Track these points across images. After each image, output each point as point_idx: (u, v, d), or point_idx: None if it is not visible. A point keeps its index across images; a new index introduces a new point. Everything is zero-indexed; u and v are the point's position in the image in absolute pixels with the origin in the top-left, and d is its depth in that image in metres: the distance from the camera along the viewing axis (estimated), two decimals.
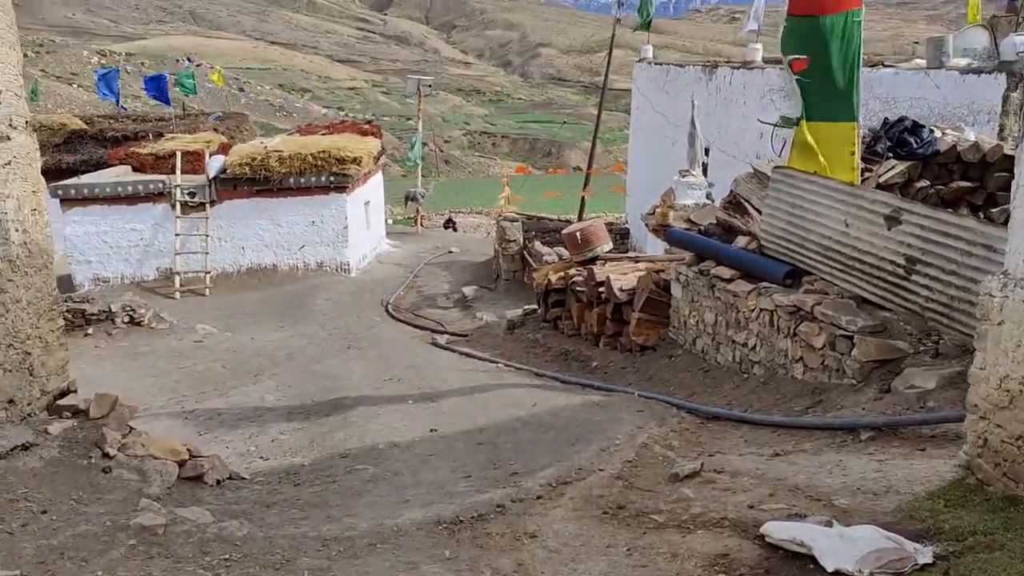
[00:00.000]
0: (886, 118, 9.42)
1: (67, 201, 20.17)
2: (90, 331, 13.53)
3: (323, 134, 23.10)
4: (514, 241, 16.70)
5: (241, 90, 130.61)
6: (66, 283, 20.86)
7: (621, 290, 10.44)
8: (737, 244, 8.71)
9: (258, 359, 12.56)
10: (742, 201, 9.14)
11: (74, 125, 31.27)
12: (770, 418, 6.75)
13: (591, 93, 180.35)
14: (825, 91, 7.66)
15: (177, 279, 19.72)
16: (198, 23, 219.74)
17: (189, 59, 39.07)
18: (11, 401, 5.95)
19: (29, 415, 6.11)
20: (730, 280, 8.29)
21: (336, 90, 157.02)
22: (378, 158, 23.66)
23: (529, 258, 15.69)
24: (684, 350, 9.51)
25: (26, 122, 6.20)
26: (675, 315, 9.67)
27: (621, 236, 20.58)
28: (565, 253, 13.44)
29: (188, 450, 6.34)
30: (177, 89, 32.63)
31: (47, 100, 78.64)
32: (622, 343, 10.55)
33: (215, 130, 27.93)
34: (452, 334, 13.87)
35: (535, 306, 13.44)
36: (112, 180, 20.45)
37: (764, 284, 7.89)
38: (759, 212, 8.63)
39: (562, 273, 12.18)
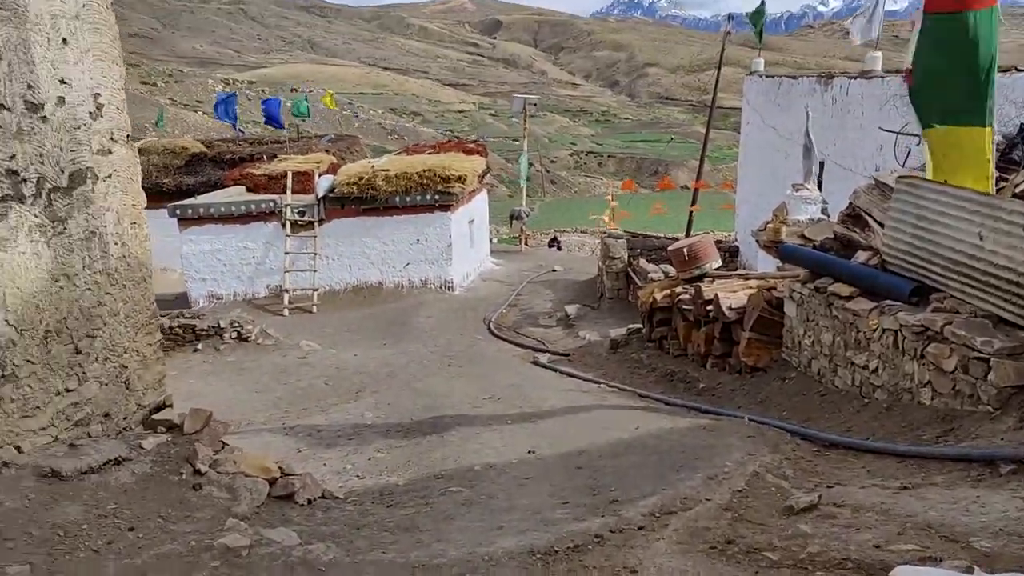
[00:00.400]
0: (1022, 124, 8.67)
1: (184, 220, 20.89)
2: (200, 346, 13.83)
3: (429, 153, 23.27)
4: (618, 258, 16.29)
5: (355, 115, 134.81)
6: (182, 300, 21.63)
7: (730, 308, 9.93)
8: (857, 259, 8.11)
9: (360, 376, 12.55)
10: (862, 214, 8.54)
11: (194, 148, 32.62)
12: (896, 447, 6.17)
13: (699, 112, 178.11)
14: (960, 94, 7.04)
15: (286, 296, 20.11)
16: (316, 51, 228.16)
17: (303, 85, 40.26)
18: (107, 415, 5.95)
19: (124, 429, 6.11)
20: (849, 298, 7.71)
21: (445, 113, 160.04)
22: (483, 177, 23.67)
23: (634, 276, 15.26)
24: (798, 372, 8.92)
25: (127, 136, 6.25)
26: (788, 335, 9.10)
27: (730, 254, 19.89)
28: (671, 271, 12.97)
29: (280, 468, 6.22)
30: (292, 113, 33.67)
31: (174, 126, 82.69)
32: (731, 364, 10.02)
33: (327, 151, 28.59)
34: (554, 353, 13.57)
35: (639, 325, 13.01)
36: (226, 200, 21.07)
37: (887, 302, 7.29)
38: (881, 225, 8.02)
39: (668, 291, 11.73)
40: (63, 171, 5.67)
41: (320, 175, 20.98)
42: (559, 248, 30.74)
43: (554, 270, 23.31)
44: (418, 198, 20.13)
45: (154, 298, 6.57)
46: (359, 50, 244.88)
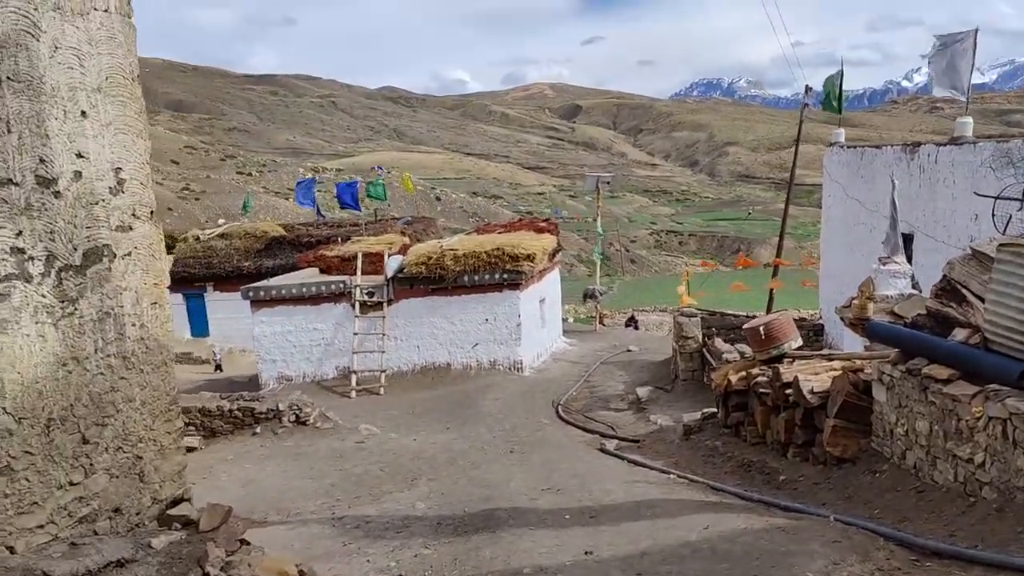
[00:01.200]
0: None
1: (256, 302, 20.95)
2: (258, 430, 13.48)
3: (500, 232, 22.99)
4: (692, 338, 15.43)
5: (438, 199, 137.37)
6: (253, 382, 21.55)
7: (812, 392, 9.04)
8: (954, 338, 7.22)
9: (417, 462, 11.95)
10: (959, 288, 7.66)
11: (274, 232, 33.27)
12: (1011, 559, 5.23)
13: (781, 188, 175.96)
14: None
15: (354, 378, 19.81)
16: (401, 139, 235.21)
17: (380, 168, 40.93)
18: (117, 510, 5.49)
19: (137, 525, 5.63)
20: (947, 381, 6.81)
21: (525, 195, 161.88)
22: (553, 255, 23.22)
23: (709, 356, 14.39)
24: (891, 464, 7.96)
25: (151, 212, 5.92)
26: (878, 422, 8.16)
27: (814, 333, 18.82)
28: (748, 351, 12.11)
29: (301, 572, 5.63)
30: (367, 195, 34.03)
31: (265, 213, 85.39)
32: (814, 454, 9.08)
33: (402, 233, 28.64)
34: (622, 439, 12.75)
35: (714, 409, 12.13)
36: (297, 282, 21.09)
37: (992, 386, 6.38)
38: (981, 300, 7.14)
39: (744, 373, 10.88)
40: (76, 248, 5.33)
41: (389, 256, 20.84)
42: (636, 327, 29.92)
43: (629, 350, 22.50)
44: (487, 277, 19.75)
45: (175, 383, 6.15)
46: (443, 137, 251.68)
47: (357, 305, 20.36)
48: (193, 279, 31.68)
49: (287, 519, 10.09)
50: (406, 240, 24.21)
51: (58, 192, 5.23)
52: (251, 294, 20.96)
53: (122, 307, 5.61)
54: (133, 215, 5.77)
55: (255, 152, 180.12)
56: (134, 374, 5.68)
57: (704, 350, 15.04)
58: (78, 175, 5.38)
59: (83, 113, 5.44)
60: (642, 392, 15.65)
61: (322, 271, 22.72)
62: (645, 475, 10.06)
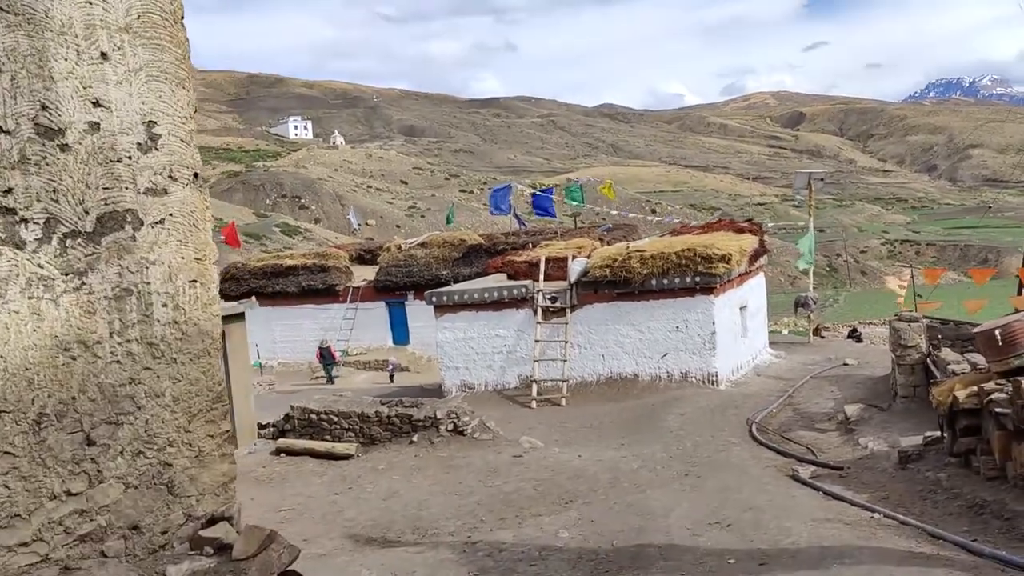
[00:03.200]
0: None
1: (439, 307, 20.41)
2: (415, 438, 12.64)
3: (696, 234, 21.15)
4: (913, 347, 12.89)
5: (653, 211, 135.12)
6: (436, 390, 21.01)
7: None
8: None
9: (575, 482, 10.58)
10: None
11: (472, 240, 33.06)
12: None
13: None
14: None
15: (535, 387, 18.71)
16: (618, 154, 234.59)
17: (578, 179, 39.98)
18: (135, 527, 4.55)
19: (162, 547, 4.69)
20: None
21: (745, 206, 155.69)
22: (756, 257, 21.01)
23: (933, 368, 11.93)
24: None
25: (195, 175, 4.99)
26: None
27: None
28: (981, 361, 9.75)
29: None
30: (565, 201, 33.10)
31: (473, 224, 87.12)
32: None
33: (600, 239, 27.35)
34: (821, 465, 10.68)
35: (939, 433, 9.86)
36: (479, 287, 20.35)
37: None
38: None
39: (974, 388, 8.62)
40: (88, 212, 4.44)
41: (573, 258, 19.60)
42: (859, 340, 26.79)
43: (846, 364, 19.87)
44: (676, 280, 18.02)
45: (221, 377, 5.19)
46: (660, 150, 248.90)
47: (539, 311, 19.27)
48: (395, 287, 32.04)
49: (420, 539, 9.08)
50: (597, 245, 22.87)
51: (65, 145, 4.37)
52: (434, 299, 20.45)
53: (148, 284, 4.69)
54: (170, 176, 4.85)
55: (478, 171, 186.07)
56: (163, 364, 4.74)
57: (928, 361, 12.53)
58: (94, 127, 4.50)
59: (103, 55, 4.57)
60: (851, 410, 13.32)
61: (510, 276, 21.85)
62: (841, 512, 8.12)
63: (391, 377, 27.02)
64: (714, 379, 17.89)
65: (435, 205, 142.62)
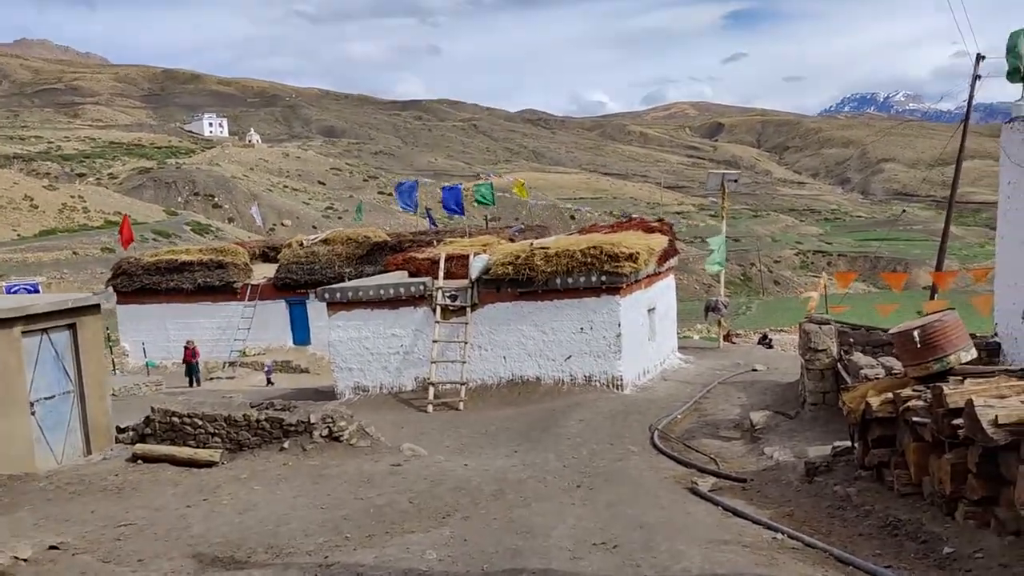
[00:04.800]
0: None
1: (332, 305, 19.09)
2: (286, 445, 11.34)
3: (605, 233, 20.29)
4: (824, 351, 12.14)
5: (572, 217, 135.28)
6: (331, 393, 19.64)
7: (996, 424, 5.98)
8: None
9: (456, 495, 9.45)
10: None
11: (377, 238, 31.62)
12: None
13: (943, 207, 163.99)
14: None
15: (431, 391, 17.56)
16: (539, 160, 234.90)
17: (489, 173, 39.05)
18: None
19: None
20: None
21: (664, 214, 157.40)
22: (666, 258, 20.24)
23: (844, 373, 11.19)
24: None
25: None
26: None
27: (987, 353, 15.08)
28: (897, 365, 8.99)
29: None
30: (475, 201, 32.04)
31: (382, 222, 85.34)
32: (999, 517, 6.01)
33: (511, 240, 26.30)
34: (723, 477, 9.80)
35: (849, 443, 9.07)
36: (374, 283, 19.09)
37: None
38: None
39: (889, 394, 7.82)
40: None
41: (475, 255, 18.51)
42: (770, 346, 26.37)
43: (754, 369, 19.26)
44: (582, 280, 17.07)
45: None
46: (580, 158, 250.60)
47: (438, 310, 18.10)
48: (296, 285, 30.42)
49: (272, 559, 7.86)
50: (501, 242, 21.84)
51: None
52: (327, 295, 19.11)
53: None
54: None
55: (398, 174, 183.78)
56: None
57: (839, 366, 11.80)
58: None
59: None
60: (758, 418, 12.52)
61: (411, 274, 20.62)
62: (741, 532, 7.19)
63: (268, 380, 25.53)
64: (619, 383, 17.00)
65: (352, 206, 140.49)
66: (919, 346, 7.72)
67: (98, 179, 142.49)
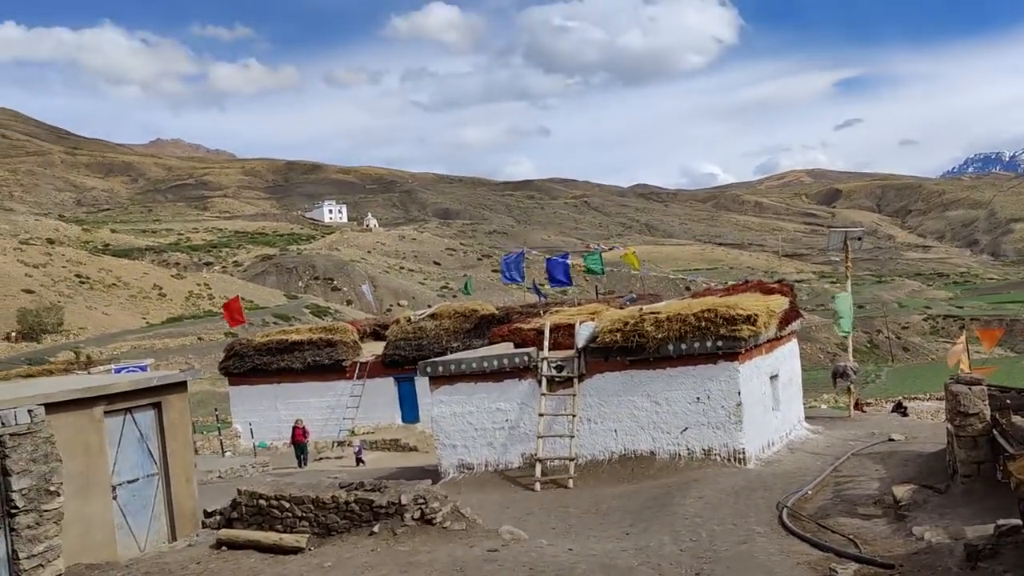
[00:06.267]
0: None
1: (435, 379, 18.54)
2: (376, 528, 10.60)
3: (719, 296, 19.15)
4: (976, 415, 10.63)
5: (687, 288, 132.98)
6: (434, 472, 18.93)
7: None
8: None
9: None
10: None
11: (484, 311, 31.26)
12: None
13: None
14: None
15: (539, 467, 16.61)
16: (652, 233, 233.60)
17: (598, 244, 38.37)
18: None
19: None
20: None
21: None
22: (787, 321, 18.89)
23: (1002, 440, 9.69)
24: None
25: None
26: None
27: None
28: None
29: None
30: (585, 270, 31.40)
31: (491, 296, 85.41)
32: None
33: (620, 308, 25.39)
34: (867, 562, 8.47)
35: (1018, 521, 7.67)
36: (477, 355, 18.46)
37: None
38: None
39: None
40: None
41: (581, 323, 17.67)
42: (904, 414, 24.34)
43: (891, 439, 17.54)
44: (696, 345, 15.97)
45: None
46: (694, 229, 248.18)
47: (544, 381, 17.27)
48: (403, 362, 30.15)
49: None
50: (610, 311, 20.92)
51: None
52: (428, 369, 18.57)
53: None
54: None
55: (512, 252, 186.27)
56: None
57: (995, 431, 10.28)
58: None
59: None
60: (901, 492, 11.05)
61: (517, 345, 19.92)
62: None
63: (358, 460, 25.02)
64: (741, 457, 15.66)
65: (471, 286, 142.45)
66: None
67: (223, 267, 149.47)
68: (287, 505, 11.27)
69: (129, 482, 10.95)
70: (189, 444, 12.32)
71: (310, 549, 10.63)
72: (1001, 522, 8.01)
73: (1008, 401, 10.95)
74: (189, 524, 11.78)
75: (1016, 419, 9.71)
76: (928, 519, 9.67)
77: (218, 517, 12.06)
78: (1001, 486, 9.65)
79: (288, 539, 10.82)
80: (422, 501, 10.65)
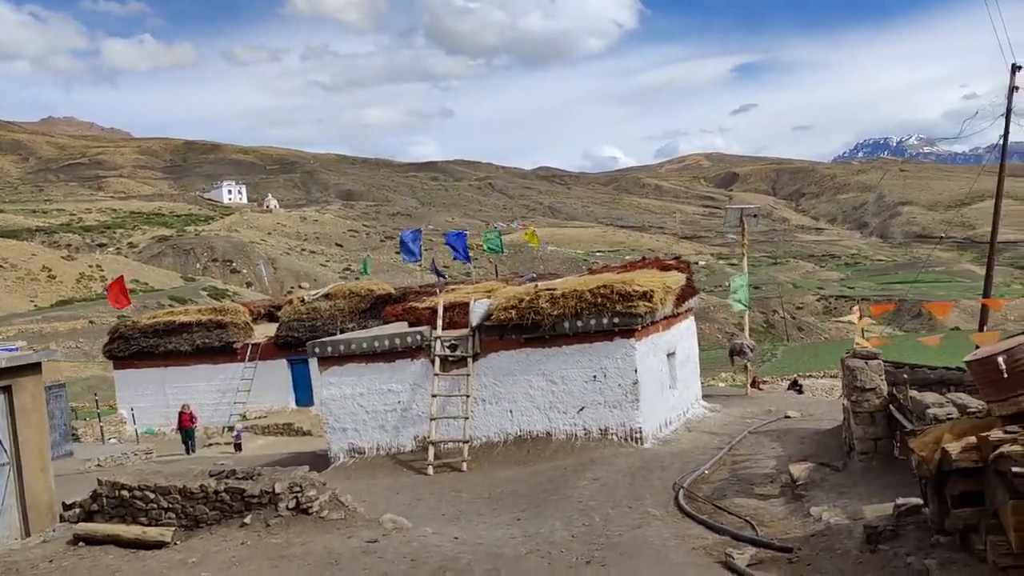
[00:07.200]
0: None
1: (324, 360, 17.61)
2: (248, 519, 9.73)
3: (617, 272, 18.75)
4: (872, 390, 10.43)
5: (590, 270, 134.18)
6: (322, 458, 18.03)
7: None
8: None
9: None
10: None
11: (380, 291, 30.28)
12: None
13: (963, 248, 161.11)
14: None
15: (431, 450, 15.92)
16: (556, 216, 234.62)
17: (499, 224, 37.86)
18: None
19: None
20: None
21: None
22: (684, 298, 18.65)
23: (900, 416, 9.47)
24: None
25: None
26: None
27: None
28: (974, 403, 7.33)
29: None
30: (485, 249, 30.74)
31: (390, 276, 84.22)
32: None
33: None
34: (764, 546, 8.10)
35: (918, 501, 7.37)
36: (368, 335, 17.61)
37: None
38: None
39: (972, 438, 6.18)
40: None
41: (475, 300, 17.00)
42: (800, 391, 24.62)
43: (787, 416, 17.53)
44: (592, 322, 15.50)
45: None
46: (596, 211, 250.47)
47: (437, 361, 16.55)
48: (297, 344, 28.92)
49: None
50: (504, 288, 20.31)
51: None
52: (317, 350, 17.64)
53: None
54: None
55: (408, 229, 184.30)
56: None
57: (892, 407, 10.07)
58: None
59: None
60: (798, 471, 10.79)
61: (411, 325, 19.13)
62: None
63: (237, 447, 23.84)
64: (638, 436, 15.30)
65: (370, 266, 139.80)
66: (1006, 376, 6.10)
67: (118, 249, 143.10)
68: (152, 496, 10.28)
69: None
70: (44, 430, 11.14)
71: (176, 543, 9.70)
72: (900, 501, 7.71)
73: (904, 376, 10.79)
74: (45, 518, 10.65)
75: (913, 392, 9.50)
76: (826, 498, 9.36)
77: (77, 510, 10.95)
78: (899, 463, 9.42)
79: (152, 532, 9.86)
80: (298, 489, 9.82)
